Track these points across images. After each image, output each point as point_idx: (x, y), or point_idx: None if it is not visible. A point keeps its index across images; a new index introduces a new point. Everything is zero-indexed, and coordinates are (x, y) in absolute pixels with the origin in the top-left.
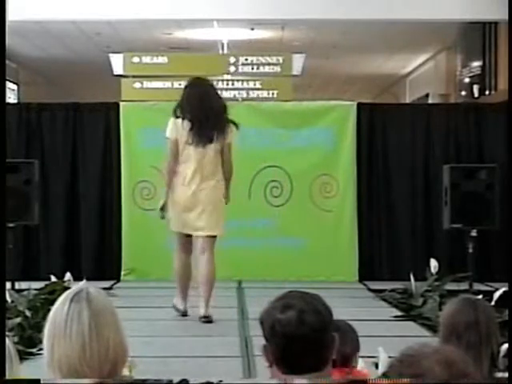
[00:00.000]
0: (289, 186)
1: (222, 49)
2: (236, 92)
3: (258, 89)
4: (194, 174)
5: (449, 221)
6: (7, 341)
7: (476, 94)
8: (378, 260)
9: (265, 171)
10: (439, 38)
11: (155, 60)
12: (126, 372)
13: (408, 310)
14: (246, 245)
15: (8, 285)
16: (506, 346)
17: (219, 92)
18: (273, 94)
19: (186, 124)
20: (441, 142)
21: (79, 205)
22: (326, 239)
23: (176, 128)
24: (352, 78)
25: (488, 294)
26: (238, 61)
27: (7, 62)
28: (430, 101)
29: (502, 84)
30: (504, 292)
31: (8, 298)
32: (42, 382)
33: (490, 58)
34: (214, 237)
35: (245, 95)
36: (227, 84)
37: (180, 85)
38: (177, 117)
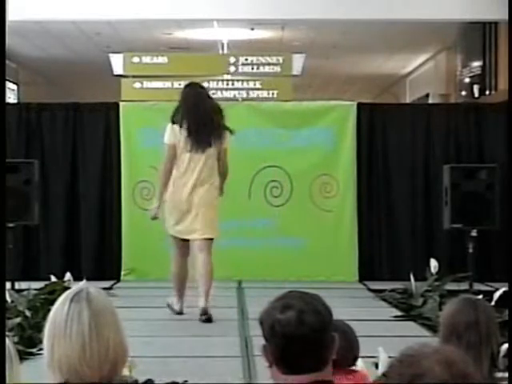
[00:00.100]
0: (289, 186)
1: (222, 49)
2: (236, 92)
3: (258, 89)
4: (191, 179)
5: (449, 221)
6: (7, 341)
7: (476, 94)
8: (378, 260)
9: (265, 171)
10: (439, 38)
11: (155, 60)
12: (126, 372)
13: (408, 309)
14: (246, 245)
15: (8, 285)
16: (505, 345)
17: (219, 92)
18: (273, 94)
19: (184, 130)
20: (441, 141)
21: (79, 205)
22: (326, 239)
23: (174, 134)
24: (352, 78)
25: (488, 294)
26: (237, 61)
27: (7, 62)
28: (430, 101)
29: (502, 84)
30: (504, 292)
31: (8, 298)
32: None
33: (490, 58)
34: (211, 239)
35: (245, 95)
36: (227, 84)
37: (180, 85)
38: (174, 123)
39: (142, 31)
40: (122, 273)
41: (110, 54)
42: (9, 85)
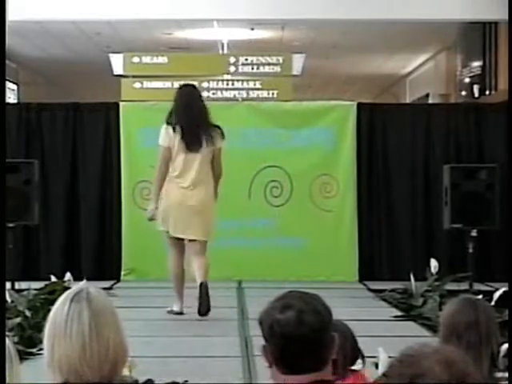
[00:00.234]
0: (289, 186)
1: (222, 49)
2: (236, 92)
3: (258, 89)
4: (187, 180)
5: (449, 221)
6: (7, 341)
7: (476, 94)
8: (378, 260)
9: (265, 171)
10: (439, 38)
11: (155, 60)
12: (126, 372)
13: (408, 309)
14: (246, 245)
15: (8, 285)
16: (506, 345)
17: (219, 92)
18: (273, 93)
19: (177, 131)
20: (441, 141)
21: (79, 205)
22: (326, 239)
23: (168, 135)
24: (352, 78)
25: (488, 294)
26: (237, 61)
27: (7, 62)
28: (430, 101)
29: (502, 84)
30: (504, 292)
31: (8, 298)
32: (41, 383)
33: (490, 58)
34: (205, 241)
35: (245, 95)
36: (227, 84)
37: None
38: (168, 124)
39: (142, 31)
40: (122, 273)
41: (110, 54)
42: (9, 85)
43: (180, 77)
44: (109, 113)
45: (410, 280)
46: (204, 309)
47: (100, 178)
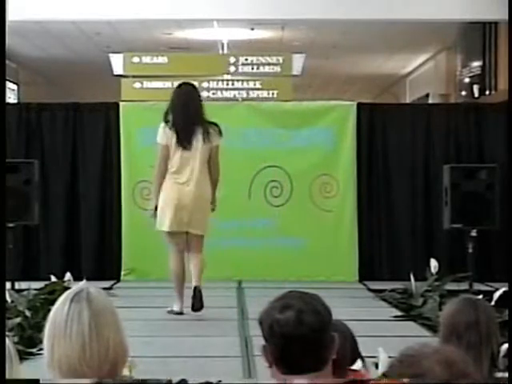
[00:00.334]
0: (289, 186)
1: (222, 49)
2: (236, 92)
3: (258, 89)
4: (184, 177)
5: (449, 221)
6: (7, 341)
7: (476, 94)
8: (378, 260)
9: (265, 171)
10: (439, 38)
11: (155, 60)
12: (126, 372)
13: (408, 309)
14: (246, 245)
15: (8, 285)
16: (506, 345)
17: (219, 92)
18: (273, 94)
19: (173, 129)
20: (441, 141)
21: (79, 205)
22: (326, 239)
23: (165, 133)
24: (352, 78)
25: (488, 294)
26: (237, 61)
27: (7, 62)
28: (430, 101)
29: (502, 84)
30: (504, 292)
31: (8, 298)
32: (41, 382)
33: (490, 58)
34: (201, 236)
35: (245, 95)
36: (227, 84)
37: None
38: (166, 122)
39: (142, 31)
40: (122, 273)
41: (110, 54)
42: (9, 85)
43: (180, 77)
44: (109, 113)
45: (410, 280)
46: (197, 306)
47: (100, 178)
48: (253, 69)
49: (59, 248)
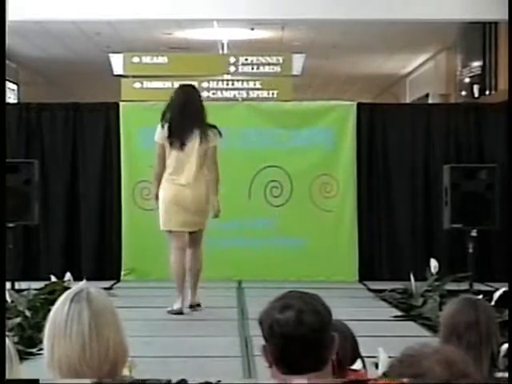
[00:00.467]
0: (289, 186)
1: (222, 49)
2: (236, 92)
3: (258, 89)
4: (181, 176)
5: (449, 221)
6: (7, 341)
7: (476, 94)
8: (378, 260)
9: (265, 171)
10: (439, 38)
11: (155, 60)
12: (126, 372)
13: (408, 309)
14: (246, 245)
15: (8, 285)
16: (506, 345)
17: (219, 92)
18: (273, 94)
19: (171, 128)
20: (441, 141)
21: (79, 205)
22: (326, 239)
23: (162, 132)
24: (352, 78)
25: (488, 294)
26: (237, 61)
27: (7, 62)
28: (430, 101)
29: (502, 84)
30: (504, 292)
31: (8, 298)
32: (41, 382)
33: (490, 58)
34: (201, 231)
35: (245, 95)
36: (227, 84)
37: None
38: (164, 121)
39: (142, 31)
40: (122, 273)
41: (110, 54)
42: (9, 85)
43: (180, 77)
44: (109, 113)
45: (410, 280)
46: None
47: (100, 178)
48: (253, 69)
49: (59, 248)
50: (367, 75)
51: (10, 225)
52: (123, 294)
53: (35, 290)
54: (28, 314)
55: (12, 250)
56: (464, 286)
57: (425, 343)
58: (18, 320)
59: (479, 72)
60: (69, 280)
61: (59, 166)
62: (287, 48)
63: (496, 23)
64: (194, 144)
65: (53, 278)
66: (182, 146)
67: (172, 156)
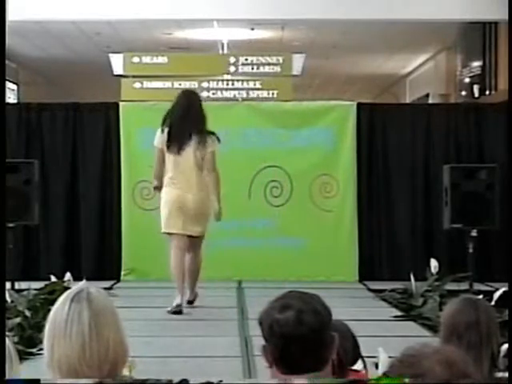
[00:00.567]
0: (289, 186)
1: (222, 49)
2: (236, 92)
3: (258, 89)
4: (180, 182)
5: (449, 221)
6: (7, 341)
7: (476, 94)
8: (378, 260)
9: (265, 171)
10: (439, 38)
11: (155, 60)
12: (126, 372)
13: (408, 309)
14: (246, 245)
15: (8, 285)
16: (506, 346)
17: (219, 92)
18: (273, 94)
19: (170, 133)
20: (441, 141)
21: (79, 205)
22: (326, 239)
23: (162, 137)
24: (352, 78)
25: (488, 294)
26: (237, 61)
27: (7, 62)
28: (430, 101)
29: (502, 84)
30: (504, 292)
31: (8, 298)
32: (41, 382)
33: (490, 58)
34: (201, 238)
35: (245, 95)
36: (227, 84)
37: (180, 85)
38: (164, 126)
39: (142, 31)
40: (122, 273)
41: (110, 54)
42: (9, 85)
43: (180, 77)
44: (109, 113)
45: (410, 280)
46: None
47: (100, 178)
48: (253, 69)
49: (59, 248)
50: (367, 75)
51: (10, 225)
52: (123, 294)
53: (35, 289)
54: (28, 314)
55: (12, 250)
56: (464, 285)
57: (425, 343)
58: (18, 320)
59: (479, 72)
60: (69, 280)
61: (59, 166)
62: (287, 48)
63: (496, 23)
64: (191, 149)
65: (53, 278)
66: (180, 150)
67: (171, 161)
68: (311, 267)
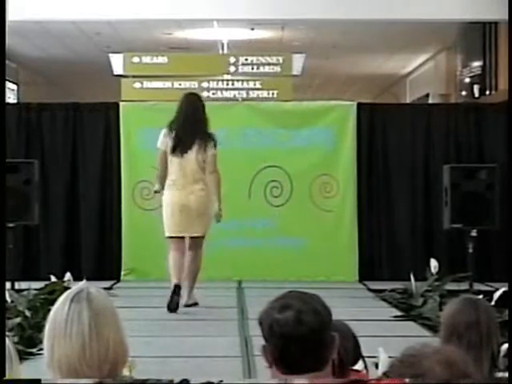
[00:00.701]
0: (289, 186)
1: (222, 49)
2: (236, 92)
3: (258, 89)
4: (182, 184)
5: (449, 221)
6: (7, 341)
7: (476, 94)
8: (378, 260)
9: (265, 171)
10: (439, 38)
11: (155, 60)
12: (126, 372)
13: (408, 309)
14: (246, 245)
15: (8, 285)
16: (506, 345)
17: (219, 92)
18: (273, 94)
19: (172, 136)
20: (441, 141)
21: (79, 205)
22: (326, 239)
23: (165, 139)
24: (352, 78)
25: (488, 294)
26: (237, 61)
27: (7, 62)
28: (430, 101)
29: (503, 84)
30: (504, 292)
31: (8, 298)
32: (42, 381)
33: (490, 58)
34: (202, 238)
35: (245, 95)
36: (227, 84)
37: (180, 85)
38: (169, 128)
39: (142, 31)
40: (122, 273)
41: (110, 54)
42: (9, 85)
43: (180, 77)
44: (109, 113)
45: (410, 280)
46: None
47: (100, 178)
48: (253, 69)
49: (59, 248)
50: (367, 75)
51: (10, 225)
52: (123, 293)
53: (35, 289)
54: (28, 314)
55: (12, 250)
56: (464, 285)
57: (425, 343)
58: (18, 320)
59: (479, 72)
60: (69, 280)
61: (59, 166)
62: (287, 48)
63: (496, 23)
64: (194, 152)
65: (53, 278)
66: (183, 153)
67: (174, 163)
68: (311, 267)
